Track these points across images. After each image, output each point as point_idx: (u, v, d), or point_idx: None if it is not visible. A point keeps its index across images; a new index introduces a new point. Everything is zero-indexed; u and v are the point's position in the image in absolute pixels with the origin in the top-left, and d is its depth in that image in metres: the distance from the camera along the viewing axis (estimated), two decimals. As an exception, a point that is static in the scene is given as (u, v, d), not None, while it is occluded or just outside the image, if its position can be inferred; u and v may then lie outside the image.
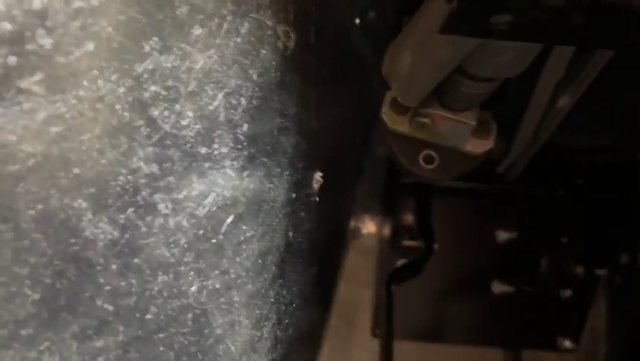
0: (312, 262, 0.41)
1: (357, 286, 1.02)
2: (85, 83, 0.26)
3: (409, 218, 0.95)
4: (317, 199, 0.41)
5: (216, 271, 0.30)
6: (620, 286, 0.93)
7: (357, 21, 0.47)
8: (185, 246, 0.28)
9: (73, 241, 0.25)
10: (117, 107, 0.27)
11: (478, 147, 0.50)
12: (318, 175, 0.41)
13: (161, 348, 0.28)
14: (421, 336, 0.99)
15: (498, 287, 1.00)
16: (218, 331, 0.30)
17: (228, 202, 0.30)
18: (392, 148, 0.50)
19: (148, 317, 0.27)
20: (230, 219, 0.30)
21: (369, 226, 1.05)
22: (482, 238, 0.99)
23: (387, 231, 0.99)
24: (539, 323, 0.98)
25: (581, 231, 0.95)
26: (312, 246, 0.40)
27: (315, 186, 0.41)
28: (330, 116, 0.43)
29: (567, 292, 0.97)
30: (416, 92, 0.41)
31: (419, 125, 0.48)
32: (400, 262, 0.92)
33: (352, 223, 1.01)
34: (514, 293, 0.98)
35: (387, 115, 0.49)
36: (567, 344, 0.99)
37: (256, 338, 0.31)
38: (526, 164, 0.57)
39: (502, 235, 1.00)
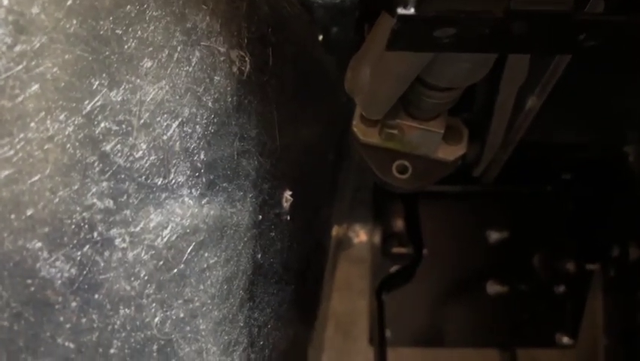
0: (287, 281, 0.41)
1: (351, 295, 1.01)
2: (32, 124, 0.26)
3: (397, 225, 0.95)
4: (288, 218, 0.41)
5: (179, 301, 0.30)
6: (614, 279, 0.93)
7: (320, 37, 0.47)
8: (146, 278, 0.29)
9: (29, 282, 0.26)
10: (67, 145, 0.27)
11: (450, 153, 0.50)
12: (287, 194, 0.41)
13: (127, 382, 0.28)
14: (420, 342, 0.99)
15: (493, 287, 1.00)
16: (185, 360, 0.30)
17: (188, 231, 0.30)
18: (365, 160, 0.51)
19: (112, 351, 0.27)
20: (191, 248, 0.30)
21: (360, 235, 1.05)
22: (474, 239, 0.99)
23: (378, 239, 0.99)
24: (536, 321, 0.98)
25: (571, 226, 0.95)
26: (285, 265, 0.41)
27: (286, 205, 0.41)
28: (296, 135, 0.43)
29: (561, 289, 0.97)
30: (379, 105, 0.42)
31: (389, 137, 0.48)
32: (392, 269, 0.92)
33: (343, 233, 1.01)
34: (509, 293, 0.98)
35: (357, 128, 0.49)
36: (565, 340, 0.99)
37: (226, 364, 0.32)
38: (511, 163, 0.57)
39: (494, 236, 1.00)
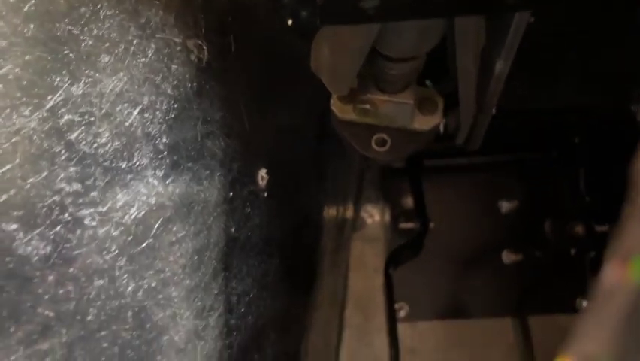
0: (270, 253, 0.44)
1: (367, 274, 1.04)
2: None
3: (406, 202, 0.97)
4: (265, 194, 0.44)
5: (151, 271, 0.33)
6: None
7: (290, 22, 0.49)
8: (117, 252, 0.32)
9: (8, 259, 0.29)
10: (34, 137, 0.30)
11: (426, 123, 0.52)
12: (262, 172, 0.43)
13: (105, 345, 0.31)
14: (439, 315, 1.01)
15: (508, 257, 1.00)
16: (160, 324, 0.33)
17: (155, 208, 0.33)
18: (345, 137, 0.53)
19: (89, 318, 0.31)
20: (158, 223, 0.33)
21: (373, 215, 1.07)
22: (486, 211, 1.00)
23: (389, 217, 1.01)
24: (555, 287, 0.98)
25: (580, 189, 0.95)
26: (266, 239, 0.43)
27: (262, 182, 0.43)
28: (269, 117, 0.46)
29: (577, 253, 0.97)
30: (341, 81, 0.44)
31: (363, 112, 0.50)
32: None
33: (356, 214, 1.04)
34: (524, 261, 0.99)
35: (335, 106, 0.51)
36: (586, 304, 0.99)
37: (201, 327, 0.34)
38: (516, 131, 0.58)
39: (505, 206, 1.01)
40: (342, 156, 0.77)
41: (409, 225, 0.94)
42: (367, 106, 0.50)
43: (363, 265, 1.04)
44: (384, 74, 0.44)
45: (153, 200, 0.33)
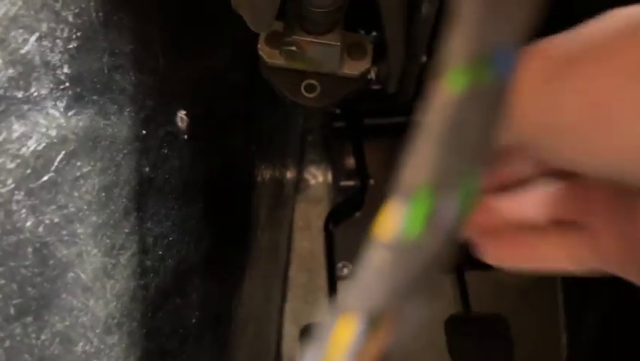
0: (192, 198, 0.43)
1: (311, 234, 1.04)
2: None
3: (346, 161, 0.97)
4: (186, 137, 0.42)
5: (53, 207, 0.31)
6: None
7: (212, -39, 0.47)
8: (13, 185, 0.30)
9: None
10: None
11: (355, 68, 0.51)
12: (181, 113, 0.42)
13: (2, 281, 0.29)
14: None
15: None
16: (64, 261, 0.31)
17: (55, 141, 0.31)
18: (274, 83, 0.52)
19: (-17, 254, 0.29)
20: (60, 157, 0.32)
21: (315, 176, 1.07)
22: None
23: (331, 178, 1.01)
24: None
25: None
26: (186, 183, 0.42)
27: (181, 124, 0.42)
28: (189, 59, 0.44)
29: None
30: (262, 17, 0.42)
31: (290, 55, 0.49)
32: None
33: (299, 176, 1.03)
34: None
35: (262, 50, 0.50)
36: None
37: (110, 266, 0.33)
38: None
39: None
40: (283, 118, 0.77)
41: (350, 182, 0.95)
42: (294, 48, 0.49)
43: (308, 225, 1.05)
44: (307, 11, 0.43)
45: (54, 132, 0.31)
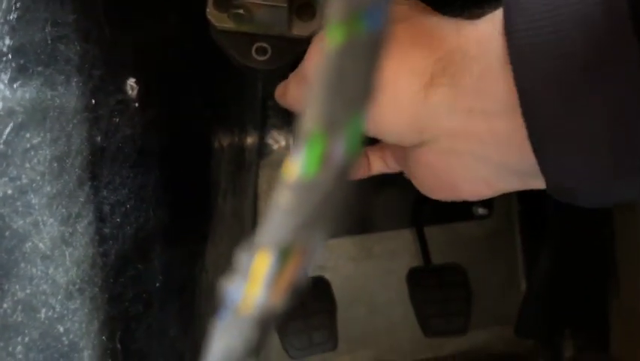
0: (147, 166, 0.44)
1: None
2: None
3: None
4: (137, 105, 0.43)
5: (5, 179, 0.32)
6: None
7: None
8: (-38, 159, 0.30)
9: None
10: None
11: (304, 29, 0.52)
12: (131, 82, 0.42)
13: (-41, 254, 0.30)
14: (348, 231, 1.04)
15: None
16: (21, 231, 0.32)
17: (2, 113, 0.32)
18: (225, 47, 0.52)
19: (-63, 228, 0.30)
20: (9, 129, 0.32)
21: (278, 141, 1.07)
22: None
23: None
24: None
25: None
26: (140, 151, 0.43)
27: (132, 92, 0.42)
28: (135, 27, 0.44)
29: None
30: None
31: (238, 18, 0.50)
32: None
33: (262, 141, 1.04)
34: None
35: (211, 15, 0.50)
36: (481, 210, 1.05)
37: (67, 234, 0.34)
38: None
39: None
40: (240, 83, 0.77)
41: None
42: (242, 11, 0.49)
43: (271, 189, 1.06)
44: None
45: (0, 105, 0.32)
